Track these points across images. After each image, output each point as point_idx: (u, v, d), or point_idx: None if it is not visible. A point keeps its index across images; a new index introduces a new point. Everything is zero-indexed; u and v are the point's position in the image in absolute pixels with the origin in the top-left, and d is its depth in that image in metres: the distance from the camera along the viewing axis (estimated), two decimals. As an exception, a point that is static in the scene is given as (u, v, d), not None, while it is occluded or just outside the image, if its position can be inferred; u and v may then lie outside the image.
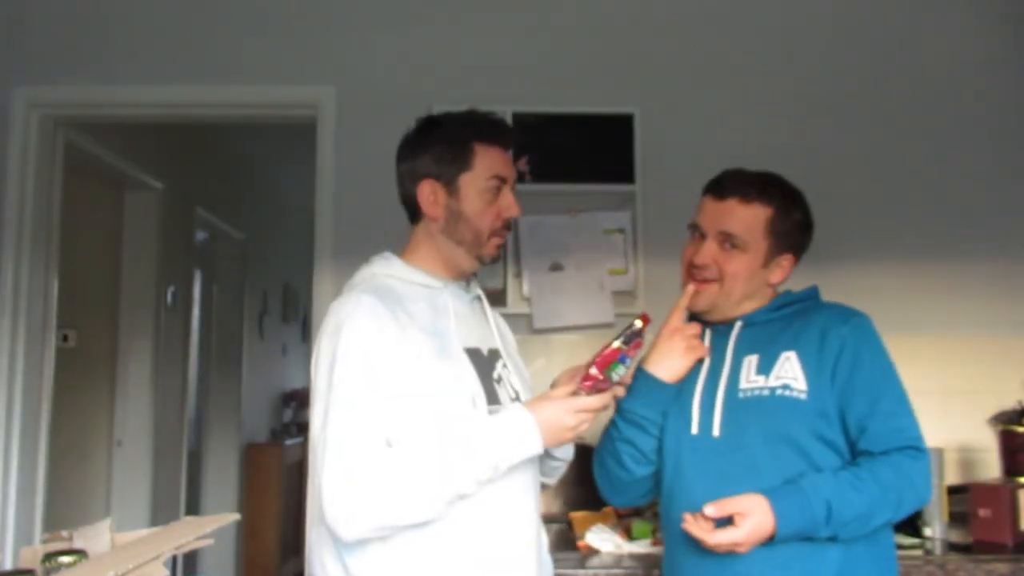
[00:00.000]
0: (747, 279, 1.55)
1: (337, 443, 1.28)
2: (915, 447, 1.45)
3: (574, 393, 1.35)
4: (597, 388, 1.36)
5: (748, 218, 1.53)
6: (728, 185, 1.57)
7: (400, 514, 1.28)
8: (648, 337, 1.47)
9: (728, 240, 1.54)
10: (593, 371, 1.36)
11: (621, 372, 1.39)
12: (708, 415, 1.51)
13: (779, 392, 1.46)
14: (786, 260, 1.58)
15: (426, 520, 1.30)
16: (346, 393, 1.31)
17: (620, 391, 1.44)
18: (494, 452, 1.30)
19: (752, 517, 1.36)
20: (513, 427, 1.32)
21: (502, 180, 1.47)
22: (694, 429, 1.52)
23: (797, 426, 1.45)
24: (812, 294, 1.62)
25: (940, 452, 2.16)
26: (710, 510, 1.38)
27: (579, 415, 1.34)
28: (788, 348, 1.50)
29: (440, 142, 1.47)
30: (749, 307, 1.58)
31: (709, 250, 1.55)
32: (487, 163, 1.46)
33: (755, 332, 1.56)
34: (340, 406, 1.31)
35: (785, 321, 1.55)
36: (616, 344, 1.38)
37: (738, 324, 1.58)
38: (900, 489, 1.41)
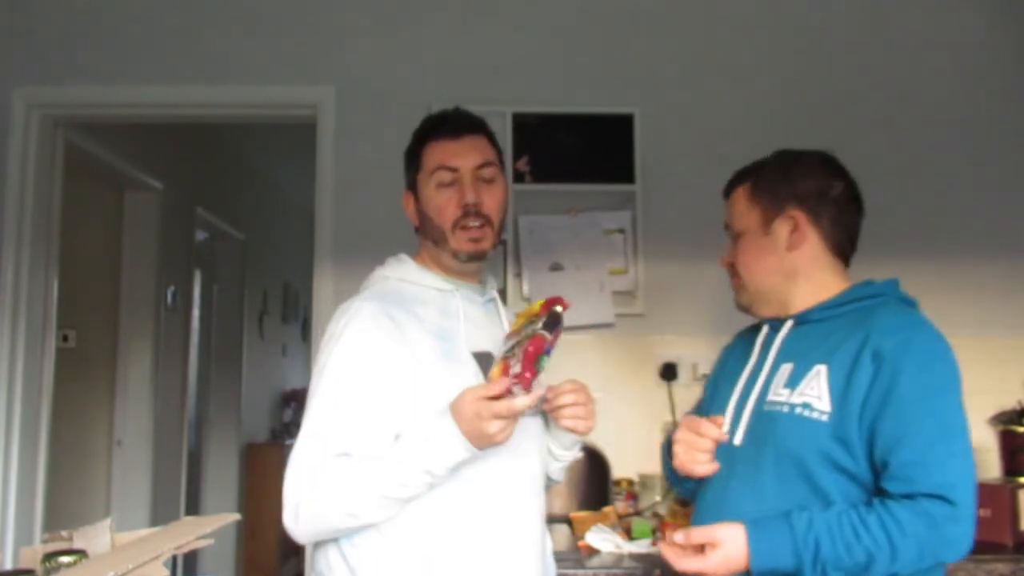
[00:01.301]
0: (757, 256, 1.47)
1: (299, 450, 1.33)
2: (942, 496, 1.23)
3: (498, 395, 1.23)
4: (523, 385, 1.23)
5: (733, 204, 1.52)
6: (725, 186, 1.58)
7: (335, 519, 1.30)
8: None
9: (731, 232, 1.52)
10: (522, 371, 1.22)
11: (545, 364, 1.25)
12: (736, 422, 1.45)
13: (798, 411, 1.36)
14: (794, 217, 1.44)
15: (366, 525, 1.31)
16: (320, 405, 1.34)
17: (537, 394, 1.26)
18: (422, 459, 1.27)
19: (723, 548, 1.28)
20: (438, 436, 1.27)
21: (450, 170, 1.44)
22: None
23: (808, 450, 1.33)
24: (883, 289, 1.43)
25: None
26: (679, 537, 1.32)
27: (498, 421, 1.23)
28: (822, 360, 1.37)
29: (406, 155, 1.53)
30: (807, 297, 1.45)
31: (726, 251, 1.54)
32: (431, 157, 1.46)
33: (805, 332, 1.43)
34: (312, 416, 1.34)
35: (840, 321, 1.40)
36: (541, 332, 1.24)
37: (788, 324, 1.46)
38: (913, 543, 1.23)
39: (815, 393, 1.35)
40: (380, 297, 1.42)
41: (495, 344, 1.46)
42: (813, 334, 1.42)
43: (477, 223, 1.43)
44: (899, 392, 1.28)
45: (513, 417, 1.23)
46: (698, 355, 2.65)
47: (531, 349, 1.23)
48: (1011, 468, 2.30)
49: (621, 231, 2.72)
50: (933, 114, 2.77)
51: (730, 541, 1.28)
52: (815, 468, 1.33)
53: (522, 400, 1.22)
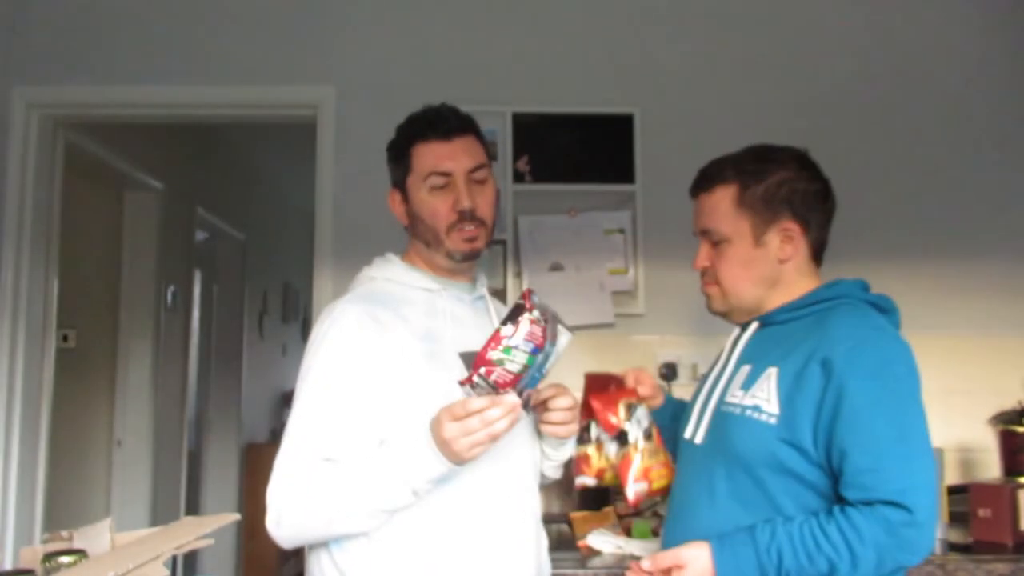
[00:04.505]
0: (745, 267, 1.44)
1: (282, 456, 1.32)
2: (896, 502, 1.22)
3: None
4: (495, 384, 1.15)
5: (714, 205, 1.46)
6: (695, 183, 1.52)
7: (317, 527, 1.31)
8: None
9: (710, 236, 1.47)
10: (489, 353, 1.15)
11: (516, 361, 1.15)
12: (700, 420, 1.47)
13: (748, 413, 1.36)
14: (789, 229, 1.42)
15: (347, 533, 1.31)
16: (303, 410, 1.34)
17: (517, 405, 1.18)
18: (403, 473, 1.24)
19: (688, 570, 1.29)
20: (414, 447, 1.24)
21: (443, 174, 1.42)
22: (687, 433, 1.49)
23: (756, 452, 1.33)
24: (845, 291, 1.41)
25: (940, 452, 2.16)
26: (645, 564, 1.33)
27: (460, 424, 1.16)
28: (774, 363, 1.36)
29: (391, 151, 1.51)
30: (777, 301, 1.44)
31: (702, 253, 1.50)
32: (423, 161, 1.44)
33: (769, 334, 1.43)
34: (295, 422, 1.34)
35: (800, 324, 1.39)
36: (499, 327, 1.15)
37: (754, 325, 1.46)
38: (872, 549, 1.22)
39: (764, 395, 1.34)
40: (365, 298, 1.41)
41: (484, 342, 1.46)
42: (775, 336, 1.41)
43: (472, 225, 1.43)
44: (849, 400, 1.27)
45: (480, 422, 1.15)
46: (698, 355, 2.65)
47: (483, 348, 1.15)
48: (1011, 468, 2.30)
49: (621, 231, 2.72)
50: (934, 114, 2.77)
51: (695, 562, 1.29)
52: (762, 470, 1.32)
53: (474, 401, 1.15)
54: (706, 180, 1.49)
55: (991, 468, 2.40)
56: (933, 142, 2.76)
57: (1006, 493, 2.12)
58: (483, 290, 1.56)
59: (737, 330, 1.52)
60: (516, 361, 1.15)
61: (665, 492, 1.52)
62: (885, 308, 1.43)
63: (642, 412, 1.52)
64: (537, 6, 2.83)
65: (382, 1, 2.83)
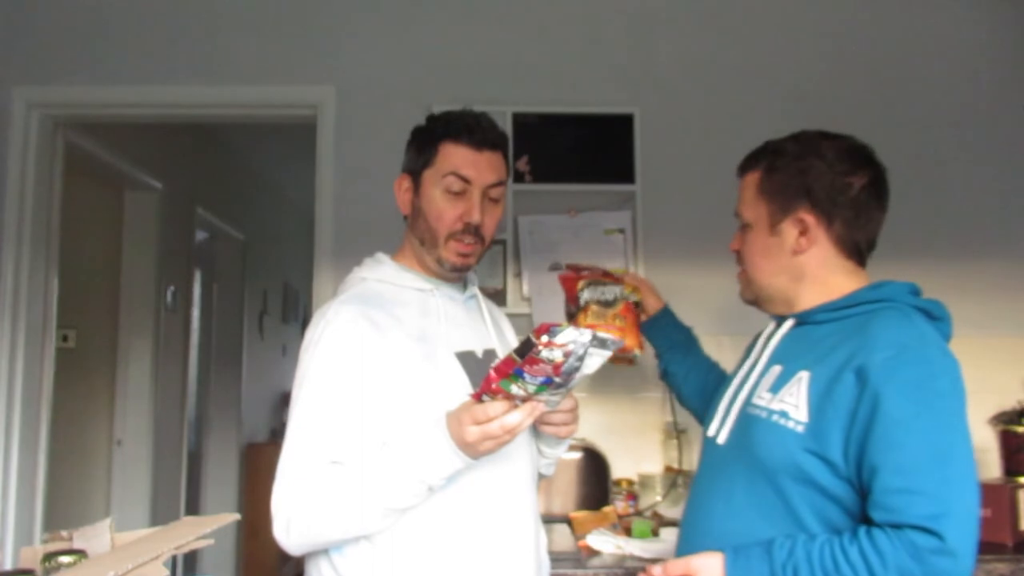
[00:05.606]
0: (762, 255, 1.39)
1: (286, 461, 1.32)
2: (926, 528, 1.12)
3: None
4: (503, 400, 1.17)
5: (744, 189, 1.44)
6: (740, 163, 1.48)
7: (328, 531, 1.29)
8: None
9: (740, 222, 1.45)
10: (493, 385, 1.15)
11: (527, 388, 1.13)
12: (724, 420, 1.41)
13: (774, 418, 1.28)
14: (804, 218, 1.35)
15: (359, 535, 1.30)
16: (303, 414, 1.34)
17: (538, 407, 1.18)
18: (418, 469, 1.24)
19: None
20: (430, 445, 1.23)
21: (464, 180, 1.41)
22: (711, 431, 1.44)
23: (779, 460, 1.26)
24: (891, 294, 1.32)
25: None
26: (656, 570, 1.27)
27: (481, 428, 1.17)
28: (807, 367, 1.28)
29: (415, 138, 1.49)
30: (814, 297, 1.36)
31: (736, 236, 1.47)
32: (448, 161, 1.42)
33: (804, 334, 1.35)
34: (296, 425, 1.34)
35: (839, 326, 1.31)
36: (512, 355, 1.12)
37: (788, 323, 1.39)
38: None
39: (793, 401, 1.27)
40: (358, 299, 1.40)
41: (481, 342, 1.46)
42: (810, 337, 1.33)
43: (472, 240, 1.43)
44: (884, 414, 1.17)
45: (500, 429, 1.16)
46: (698, 355, 2.65)
47: (494, 369, 1.14)
48: (1011, 468, 2.30)
49: (621, 231, 2.71)
50: (936, 114, 2.77)
51: (706, 571, 1.23)
52: (784, 480, 1.25)
53: (495, 407, 1.15)
54: (746, 161, 1.46)
55: (991, 468, 2.40)
56: (933, 142, 2.76)
57: (1006, 493, 2.12)
58: (474, 289, 1.55)
59: (772, 326, 1.44)
60: (524, 389, 1.14)
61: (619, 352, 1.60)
62: (936, 315, 1.33)
63: (611, 289, 1.67)
64: (537, 6, 2.82)
65: (382, 1, 2.83)
